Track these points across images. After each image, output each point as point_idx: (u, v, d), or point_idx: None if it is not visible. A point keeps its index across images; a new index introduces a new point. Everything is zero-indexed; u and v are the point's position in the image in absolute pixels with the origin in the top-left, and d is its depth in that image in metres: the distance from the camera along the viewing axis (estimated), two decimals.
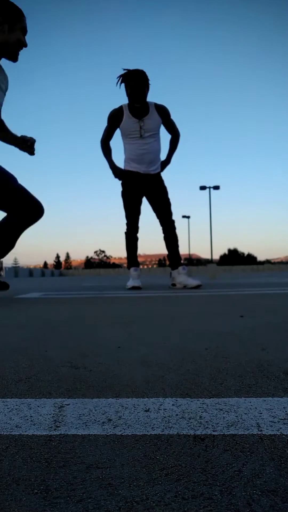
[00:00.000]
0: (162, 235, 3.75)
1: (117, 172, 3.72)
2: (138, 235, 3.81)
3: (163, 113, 3.62)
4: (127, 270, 3.88)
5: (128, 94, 3.49)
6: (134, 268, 3.80)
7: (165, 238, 3.70)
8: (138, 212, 3.72)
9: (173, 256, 3.71)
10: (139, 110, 3.52)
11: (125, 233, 3.78)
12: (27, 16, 2.34)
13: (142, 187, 3.66)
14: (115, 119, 3.61)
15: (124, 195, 3.71)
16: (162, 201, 3.67)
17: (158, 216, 3.71)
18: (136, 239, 3.78)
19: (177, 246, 3.72)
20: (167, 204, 3.68)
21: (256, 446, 0.45)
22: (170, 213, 3.69)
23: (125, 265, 5.19)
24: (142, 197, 3.71)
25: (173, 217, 3.69)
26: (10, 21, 2.26)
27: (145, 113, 3.53)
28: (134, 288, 3.68)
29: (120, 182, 3.76)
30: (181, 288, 3.59)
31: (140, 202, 3.71)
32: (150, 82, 3.51)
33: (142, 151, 3.59)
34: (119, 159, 3.84)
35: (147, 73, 3.49)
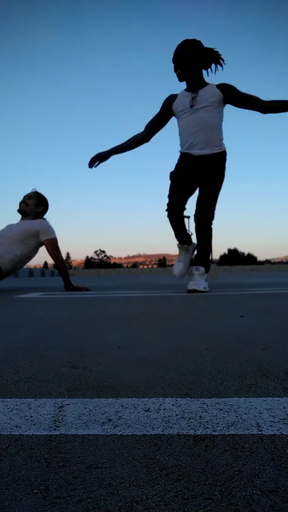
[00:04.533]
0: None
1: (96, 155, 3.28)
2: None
3: (226, 88, 3.01)
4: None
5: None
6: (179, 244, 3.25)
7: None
8: (181, 191, 3.08)
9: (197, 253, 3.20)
10: (194, 85, 3.05)
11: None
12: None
13: (194, 171, 3.05)
14: (167, 101, 3.16)
15: (171, 176, 3.16)
16: (205, 192, 3.07)
17: (196, 208, 3.12)
18: (177, 215, 3.13)
19: (203, 244, 3.09)
20: (208, 198, 3.05)
21: (256, 446, 0.45)
22: (207, 211, 3.07)
23: (125, 265, 4.95)
24: (193, 180, 3.09)
25: (211, 215, 3.08)
26: None
27: (200, 87, 3.04)
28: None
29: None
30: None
31: (187, 184, 3.08)
32: (203, 52, 2.94)
33: (192, 128, 3.01)
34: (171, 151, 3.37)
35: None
